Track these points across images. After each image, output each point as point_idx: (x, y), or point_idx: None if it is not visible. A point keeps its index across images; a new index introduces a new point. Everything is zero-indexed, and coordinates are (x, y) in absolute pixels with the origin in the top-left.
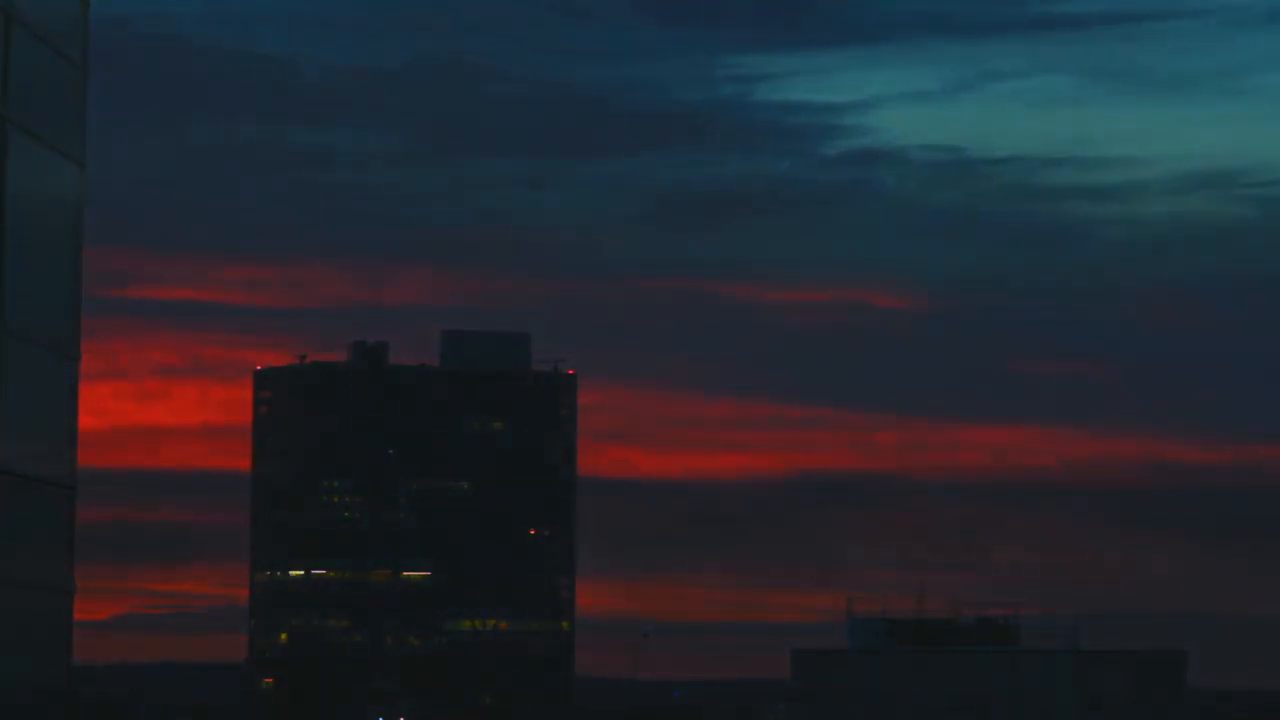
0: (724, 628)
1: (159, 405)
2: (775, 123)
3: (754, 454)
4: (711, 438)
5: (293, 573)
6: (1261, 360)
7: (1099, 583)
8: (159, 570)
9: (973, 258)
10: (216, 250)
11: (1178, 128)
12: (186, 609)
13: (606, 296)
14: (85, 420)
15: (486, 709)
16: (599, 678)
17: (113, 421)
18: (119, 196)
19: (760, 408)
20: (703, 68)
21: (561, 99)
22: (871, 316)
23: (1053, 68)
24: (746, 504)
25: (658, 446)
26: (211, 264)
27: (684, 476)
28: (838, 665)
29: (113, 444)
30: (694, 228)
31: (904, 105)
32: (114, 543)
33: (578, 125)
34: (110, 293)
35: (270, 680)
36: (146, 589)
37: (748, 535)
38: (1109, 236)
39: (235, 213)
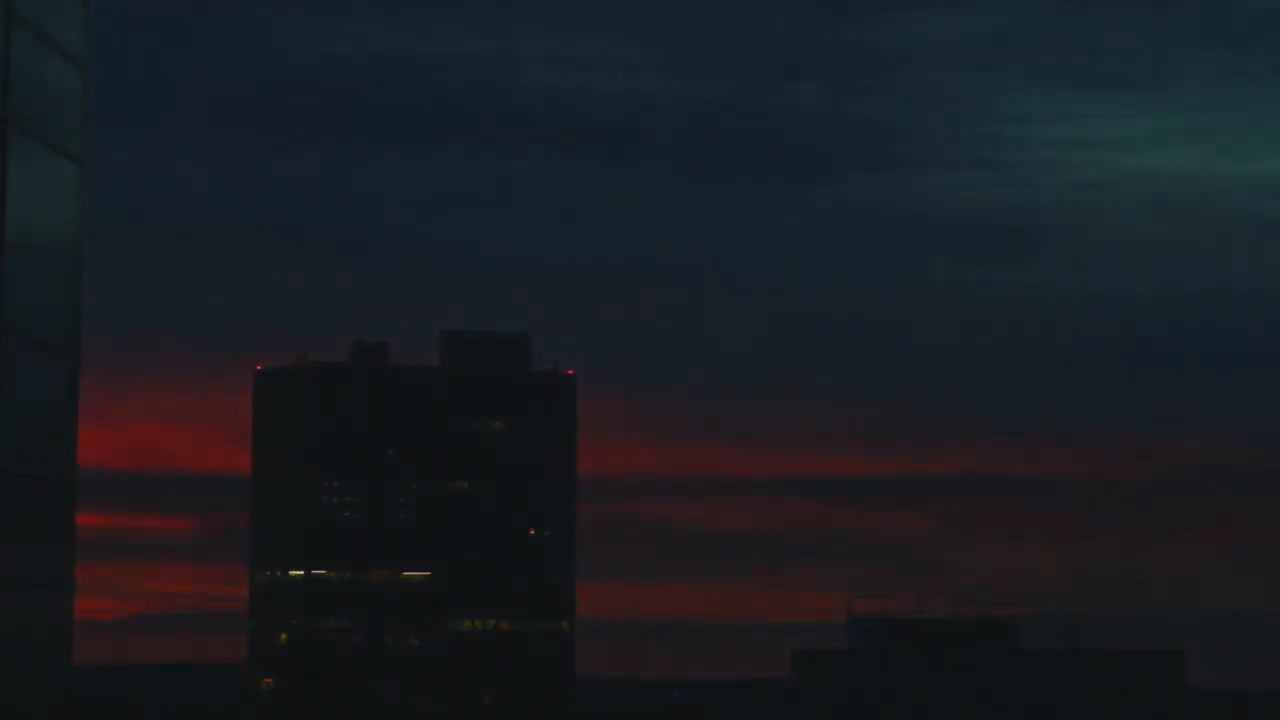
0: (726, 628)
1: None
2: (1019, 156)
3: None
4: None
5: (293, 573)
6: None
7: None
8: (159, 570)
9: (1167, 279)
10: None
11: None
12: (186, 609)
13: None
14: None
15: (486, 709)
16: (599, 678)
17: None
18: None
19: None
20: (977, 104)
21: (825, 129)
22: (1062, 341)
23: None
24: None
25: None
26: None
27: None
28: (838, 665)
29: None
30: (916, 252)
31: (1150, 142)
32: (115, 542)
33: (835, 153)
34: None
35: (270, 680)
36: (147, 589)
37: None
38: None
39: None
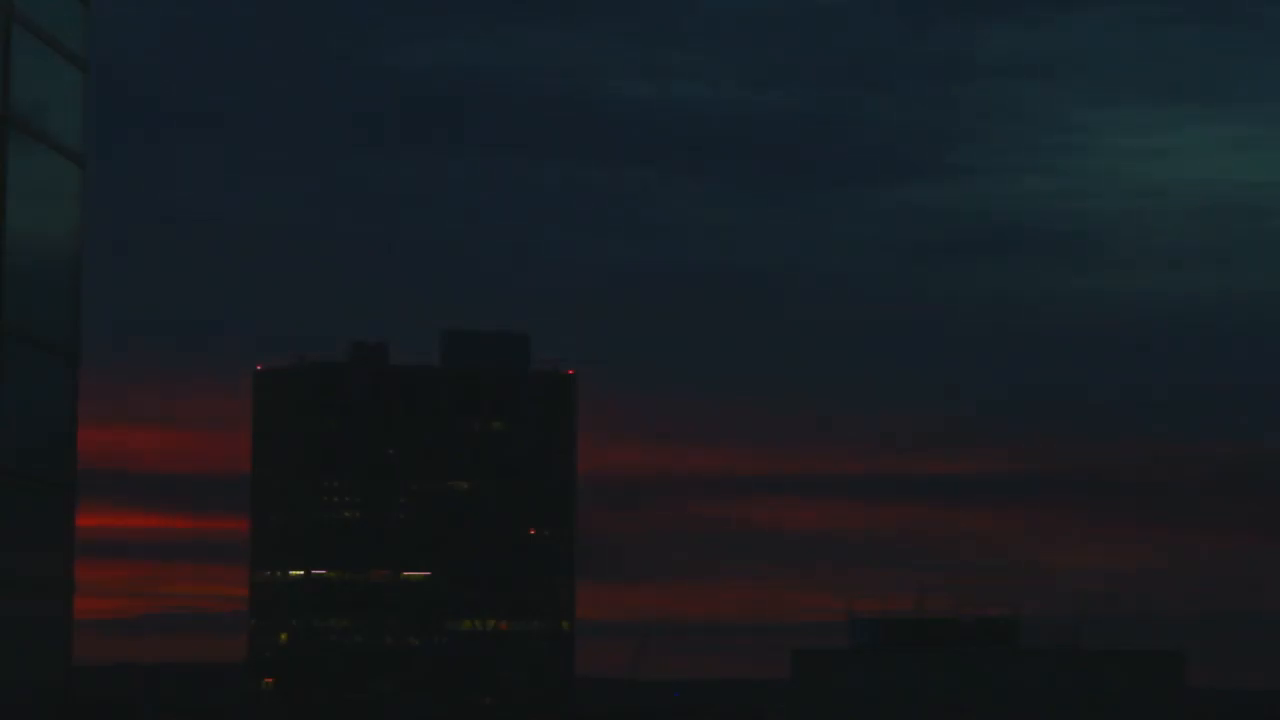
0: (726, 628)
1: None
2: (1081, 164)
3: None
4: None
5: (293, 573)
6: None
7: None
8: (160, 570)
9: (1219, 286)
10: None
11: None
12: (186, 609)
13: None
14: None
15: (486, 709)
16: (599, 678)
17: None
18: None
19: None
20: (1040, 113)
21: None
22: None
23: None
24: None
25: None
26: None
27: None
28: (838, 665)
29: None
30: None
31: (1209, 152)
32: (115, 542)
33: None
34: None
35: (270, 680)
36: (147, 589)
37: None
38: None
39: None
